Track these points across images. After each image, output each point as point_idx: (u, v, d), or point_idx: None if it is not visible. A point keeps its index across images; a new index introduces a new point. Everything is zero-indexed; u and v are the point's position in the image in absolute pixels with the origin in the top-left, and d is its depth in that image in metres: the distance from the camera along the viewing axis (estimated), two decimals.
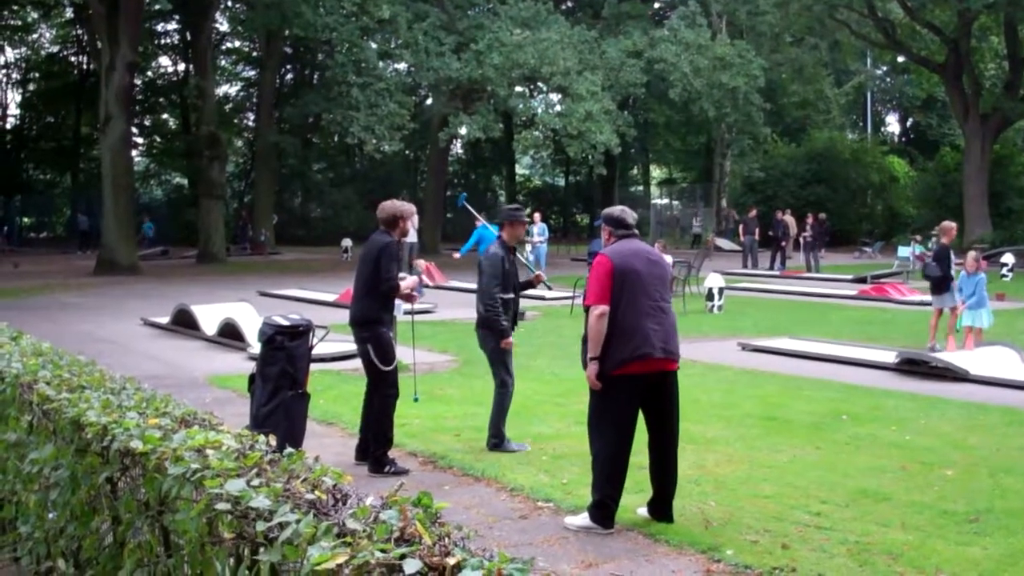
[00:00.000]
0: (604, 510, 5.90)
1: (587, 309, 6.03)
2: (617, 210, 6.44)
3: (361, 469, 7.29)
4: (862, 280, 24.23)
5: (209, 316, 14.89)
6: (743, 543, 5.63)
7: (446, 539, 2.26)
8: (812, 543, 5.63)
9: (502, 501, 6.54)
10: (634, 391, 5.95)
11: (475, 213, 14.72)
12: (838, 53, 45.34)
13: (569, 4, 43.70)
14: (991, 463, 7.44)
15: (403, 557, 2.14)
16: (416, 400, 8.72)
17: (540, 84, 35.19)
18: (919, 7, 35.66)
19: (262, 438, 3.31)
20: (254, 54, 49.67)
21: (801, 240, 29.74)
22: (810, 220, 29.23)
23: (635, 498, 6.22)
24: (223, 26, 46.92)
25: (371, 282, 7.48)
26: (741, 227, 31.12)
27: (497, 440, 7.89)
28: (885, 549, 5.53)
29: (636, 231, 6.34)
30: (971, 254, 13.78)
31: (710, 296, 18.66)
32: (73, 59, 51.61)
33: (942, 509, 6.28)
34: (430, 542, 2.23)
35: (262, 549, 2.52)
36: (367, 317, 7.52)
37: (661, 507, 6.04)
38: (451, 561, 2.13)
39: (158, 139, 54.00)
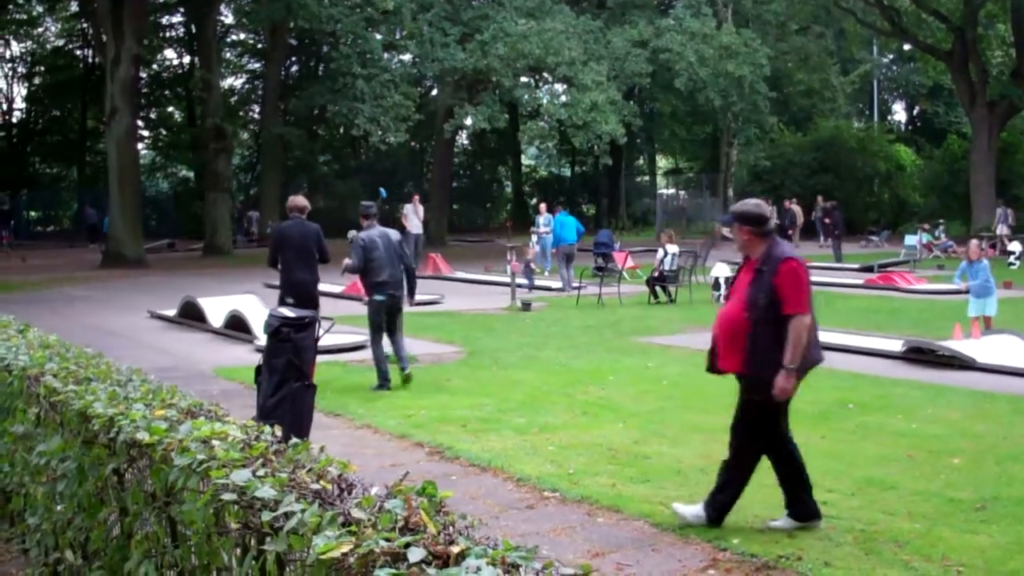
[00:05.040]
0: (725, 510, 5.78)
1: (787, 317, 5.51)
2: (752, 204, 5.92)
3: (366, 460, 7.30)
4: (869, 269, 24.17)
5: (216, 308, 14.92)
6: (749, 532, 5.64)
7: (450, 528, 2.27)
8: (818, 531, 5.63)
9: (508, 491, 6.55)
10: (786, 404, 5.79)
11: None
12: (844, 41, 45.17)
13: None
14: (998, 451, 7.43)
15: (407, 546, 2.14)
16: None
17: (545, 74, 35.13)
18: None
19: (268, 429, 3.31)
20: (259, 46, 49.57)
21: (823, 228, 29.63)
22: (829, 207, 29.02)
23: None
24: (228, 18, 46.90)
25: (315, 259, 9.68)
26: None
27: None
28: (891, 537, 5.53)
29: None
30: (973, 242, 13.72)
31: (716, 286, 18.65)
32: (78, 53, 51.58)
33: (949, 497, 6.27)
34: (434, 531, 2.24)
35: (268, 539, 2.53)
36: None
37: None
38: (455, 549, 2.13)
39: (164, 132, 53.99)
